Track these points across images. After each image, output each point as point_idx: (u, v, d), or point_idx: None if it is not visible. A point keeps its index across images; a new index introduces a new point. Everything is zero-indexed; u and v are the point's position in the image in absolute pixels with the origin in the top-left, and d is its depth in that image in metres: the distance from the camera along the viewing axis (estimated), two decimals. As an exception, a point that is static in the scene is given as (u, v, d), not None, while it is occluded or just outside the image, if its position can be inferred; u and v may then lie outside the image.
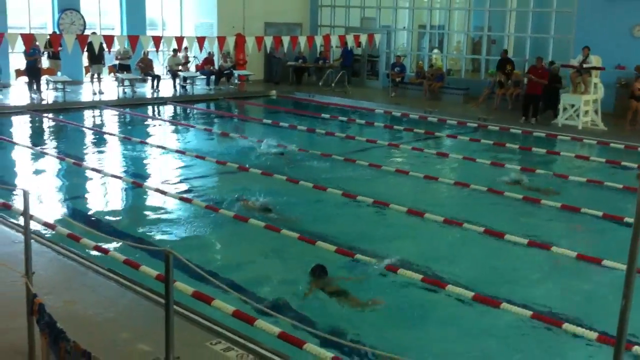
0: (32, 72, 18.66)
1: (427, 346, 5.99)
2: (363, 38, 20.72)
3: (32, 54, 18.38)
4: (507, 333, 6.26)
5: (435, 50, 24.07)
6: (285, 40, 19.42)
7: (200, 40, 18.52)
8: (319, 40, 21.01)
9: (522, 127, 16.69)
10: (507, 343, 6.13)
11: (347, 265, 7.75)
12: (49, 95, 19.12)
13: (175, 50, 20.89)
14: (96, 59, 19.72)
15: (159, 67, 22.63)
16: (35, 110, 17.47)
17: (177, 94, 21.11)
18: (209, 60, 22.59)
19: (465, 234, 8.92)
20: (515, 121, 17.21)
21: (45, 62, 19.80)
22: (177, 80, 21.51)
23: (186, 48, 20.94)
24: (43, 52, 19.07)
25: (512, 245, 8.46)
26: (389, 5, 24.06)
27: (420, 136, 15.98)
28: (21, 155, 13.49)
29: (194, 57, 22.97)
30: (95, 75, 20.02)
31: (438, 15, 24.10)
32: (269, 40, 19.19)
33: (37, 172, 12.34)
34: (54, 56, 19.67)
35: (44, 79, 19.34)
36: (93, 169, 11.97)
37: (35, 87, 18.74)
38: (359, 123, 17.50)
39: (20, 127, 16.34)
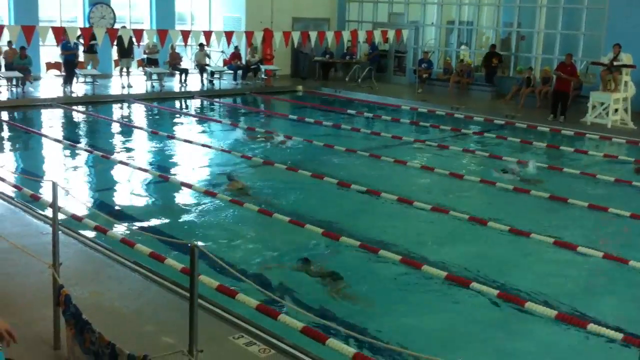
0: (69, 66, 18.91)
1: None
2: (391, 34, 20.63)
3: (70, 49, 18.62)
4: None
5: (463, 47, 23.88)
6: (313, 35, 19.42)
7: (228, 35, 18.59)
8: (346, 35, 20.96)
9: (550, 125, 16.51)
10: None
11: (367, 263, 7.76)
12: (79, 88, 19.36)
13: (202, 45, 21.01)
14: (125, 53, 19.91)
15: (187, 61, 22.77)
16: (64, 103, 17.70)
17: (205, 88, 21.24)
18: (236, 54, 22.68)
19: (489, 232, 8.86)
20: (543, 119, 17.03)
21: (81, 56, 20.02)
22: (205, 75, 21.64)
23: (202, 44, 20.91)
24: (78, 46, 19.27)
25: (536, 244, 8.40)
26: (417, 1, 23.92)
27: (446, 133, 15.88)
28: (50, 148, 13.68)
29: (222, 51, 23.07)
30: (125, 69, 20.23)
31: (467, 11, 23.90)
32: (296, 35, 19.21)
33: (66, 164, 12.51)
34: (89, 50, 19.86)
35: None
36: (120, 162, 12.10)
37: (70, 80, 18.98)
38: (384, 119, 17.45)
39: (50, 119, 16.57)
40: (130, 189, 10.97)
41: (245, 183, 10.62)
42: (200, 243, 7.15)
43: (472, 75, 21.55)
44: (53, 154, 13.29)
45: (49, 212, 7.52)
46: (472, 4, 23.35)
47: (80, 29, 18.15)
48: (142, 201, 10.33)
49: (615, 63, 16.48)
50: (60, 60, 19.78)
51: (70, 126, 16.30)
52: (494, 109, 18.45)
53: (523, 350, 6.00)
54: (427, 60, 22.33)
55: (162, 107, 18.46)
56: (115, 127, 16.13)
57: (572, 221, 9.70)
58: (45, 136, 14.39)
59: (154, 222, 9.10)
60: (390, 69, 24.42)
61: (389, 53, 24.22)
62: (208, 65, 21.92)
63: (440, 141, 14.59)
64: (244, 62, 22.85)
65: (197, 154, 13.24)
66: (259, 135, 14.87)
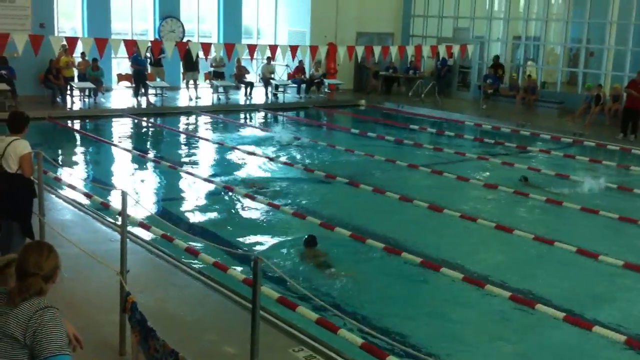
0: (139, 78, 19.51)
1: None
2: (455, 49, 20.45)
3: (140, 62, 19.22)
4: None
5: (530, 62, 23.47)
6: (377, 49, 19.43)
7: (293, 49, 18.80)
8: (410, 50, 20.91)
9: (620, 143, 16.03)
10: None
11: (427, 279, 7.70)
12: (148, 100, 19.88)
13: (269, 58, 21.31)
14: (192, 66, 20.38)
15: (252, 74, 23.13)
16: (134, 113, 18.23)
17: (269, 101, 21.51)
18: (300, 68, 22.91)
19: (556, 252, 8.65)
20: (612, 137, 16.55)
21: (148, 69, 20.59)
22: (269, 88, 21.92)
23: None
24: (147, 60, 19.82)
25: (604, 266, 8.15)
26: (483, 16, 23.67)
27: (511, 150, 15.61)
28: (120, 157, 14.09)
29: (286, 65, 23.33)
30: (192, 82, 20.70)
31: (534, 26, 23.50)
32: (360, 50, 19.27)
33: (134, 173, 12.86)
34: (156, 63, 20.43)
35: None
36: (187, 172, 12.36)
37: (143, 91, 19.54)
38: (448, 135, 17.29)
39: (120, 130, 17.08)
40: (196, 198, 11.19)
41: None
42: (262, 254, 7.23)
43: (538, 92, 21.14)
44: (122, 163, 13.68)
45: (118, 219, 7.75)
46: (539, 19, 22.95)
47: (151, 42, 18.67)
48: (206, 211, 10.51)
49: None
50: (130, 72, 20.44)
51: (139, 136, 16.76)
52: (561, 127, 18.04)
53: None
54: (493, 75, 22.05)
55: (227, 120, 18.78)
56: (182, 138, 16.49)
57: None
58: (115, 146, 14.84)
59: (218, 231, 9.26)
60: (454, 84, 24.20)
61: (453, 68, 24.02)
62: (273, 78, 22.20)
63: (505, 158, 14.34)
64: (307, 76, 23.05)
65: (260, 165, 13.40)
66: (320, 148, 14.95)
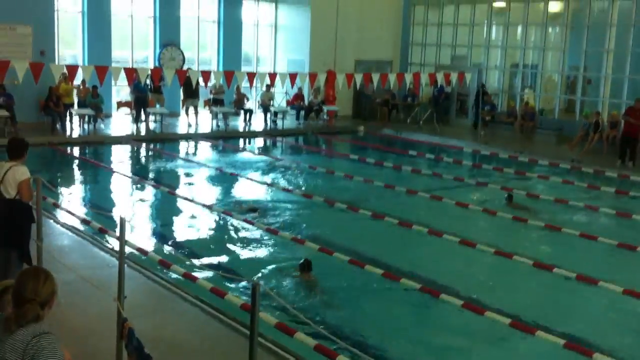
0: (140, 105, 19.63)
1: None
2: (453, 76, 20.62)
3: (141, 89, 19.35)
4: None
5: (528, 89, 23.63)
6: (375, 77, 19.58)
7: (292, 77, 18.94)
8: (408, 77, 21.05)
9: (618, 170, 16.07)
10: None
11: (427, 305, 7.66)
12: (147, 126, 19.96)
13: (268, 86, 21.45)
14: (192, 93, 20.52)
15: (251, 101, 23.26)
16: (134, 140, 18.28)
17: (268, 127, 21.60)
18: (299, 95, 23.05)
19: (555, 279, 8.63)
20: (611, 164, 16.59)
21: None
22: (269, 115, 22.03)
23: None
24: (147, 86, 19.96)
25: (606, 292, 8.13)
26: (481, 44, 23.89)
27: (509, 176, 15.64)
28: (119, 183, 14.10)
29: (285, 92, 23.47)
30: (192, 109, 20.82)
31: (531, 54, 23.70)
32: (359, 77, 19.41)
33: (133, 198, 12.85)
34: (155, 90, 20.56)
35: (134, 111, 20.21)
36: (185, 198, 12.36)
37: (143, 118, 19.65)
38: (446, 161, 17.33)
39: (119, 155, 17.11)
40: (194, 224, 11.17)
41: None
42: (259, 280, 7.21)
43: (536, 119, 21.25)
44: (121, 189, 13.68)
45: (116, 245, 7.73)
46: (537, 48, 23.15)
47: (151, 69, 18.81)
48: (205, 236, 10.50)
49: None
50: (129, 99, 20.59)
51: (138, 162, 16.80)
52: (559, 153, 18.09)
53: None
54: (491, 102, 22.17)
55: (227, 146, 18.83)
56: (182, 164, 16.51)
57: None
58: (114, 171, 14.85)
59: (215, 257, 9.23)
60: (452, 111, 24.33)
61: (451, 95, 24.17)
62: (272, 105, 22.33)
63: (503, 184, 14.36)
64: (306, 102, 23.18)
65: (259, 191, 13.41)
66: (320, 174, 14.97)
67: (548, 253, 9.88)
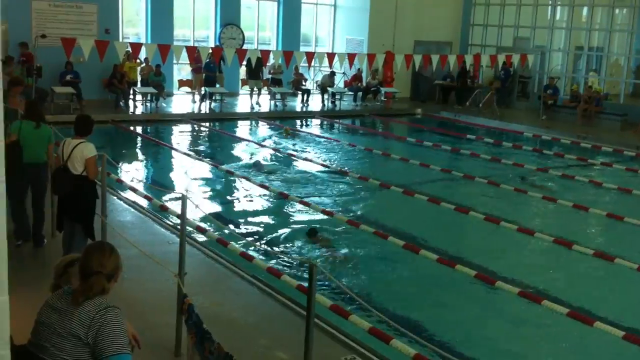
0: (209, 84, 19.96)
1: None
2: (515, 58, 20.17)
3: (211, 69, 19.64)
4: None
5: (592, 73, 22.94)
6: (435, 58, 19.33)
7: (351, 57, 18.86)
8: (468, 59, 20.71)
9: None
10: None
11: (481, 292, 7.60)
12: (207, 105, 20.24)
13: (332, 72, 21.62)
14: (254, 74, 20.70)
15: (309, 81, 23.30)
16: (194, 119, 18.58)
17: (326, 108, 21.62)
18: (357, 76, 22.95)
19: (616, 269, 8.43)
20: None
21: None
22: (326, 95, 22.03)
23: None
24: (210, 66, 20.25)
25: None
26: (545, 26, 23.26)
27: (571, 162, 15.28)
28: (179, 161, 14.37)
29: (343, 73, 23.41)
30: (256, 89, 21.00)
31: (597, 37, 22.97)
32: (417, 59, 19.19)
33: (193, 177, 13.10)
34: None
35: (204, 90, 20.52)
36: (244, 178, 12.52)
37: (209, 96, 20.03)
38: (505, 146, 17.03)
39: (180, 134, 17.43)
40: (251, 204, 11.32)
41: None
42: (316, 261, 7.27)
43: (601, 104, 20.63)
44: (181, 167, 13.95)
45: (177, 222, 7.90)
46: (602, 30, 22.42)
47: (212, 48, 19.02)
48: (262, 216, 10.63)
49: None
50: (190, 77, 20.89)
51: (198, 141, 17.06)
52: (624, 139, 17.56)
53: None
54: (553, 86, 21.63)
55: (284, 126, 18.93)
56: (240, 144, 16.68)
57: None
58: (175, 150, 15.15)
59: (272, 237, 9.35)
60: (513, 94, 23.83)
61: (513, 78, 23.66)
62: (330, 86, 22.32)
63: (564, 170, 14.05)
64: (364, 84, 23.08)
65: (314, 172, 13.47)
66: (375, 157, 14.91)
67: (610, 243, 9.65)
